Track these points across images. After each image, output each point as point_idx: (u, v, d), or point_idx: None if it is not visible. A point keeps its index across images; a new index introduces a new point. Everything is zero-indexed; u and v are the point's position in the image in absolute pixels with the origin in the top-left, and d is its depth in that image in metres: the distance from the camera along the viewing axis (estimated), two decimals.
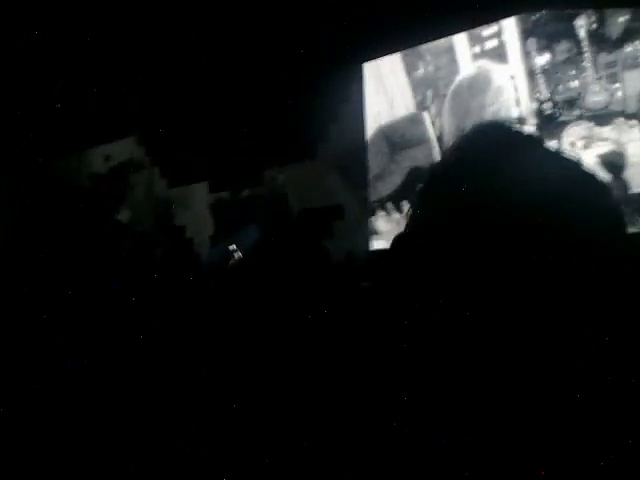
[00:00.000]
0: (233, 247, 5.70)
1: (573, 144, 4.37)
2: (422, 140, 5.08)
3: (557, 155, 0.76)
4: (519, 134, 0.79)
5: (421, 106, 5.06)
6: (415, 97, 5.10)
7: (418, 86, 5.07)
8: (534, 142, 0.78)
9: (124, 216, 6.51)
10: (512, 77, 4.51)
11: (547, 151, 0.77)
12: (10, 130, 5.43)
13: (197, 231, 6.31)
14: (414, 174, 5.22)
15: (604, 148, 4.22)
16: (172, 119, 5.51)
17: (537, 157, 0.73)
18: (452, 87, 4.85)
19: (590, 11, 4.19)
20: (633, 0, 3.97)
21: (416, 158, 5.15)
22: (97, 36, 4.68)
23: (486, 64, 4.66)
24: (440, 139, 4.96)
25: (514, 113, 4.55)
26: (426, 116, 5.03)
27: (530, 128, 4.50)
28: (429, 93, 5.00)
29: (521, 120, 4.50)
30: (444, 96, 4.90)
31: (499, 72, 4.59)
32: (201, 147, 5.80)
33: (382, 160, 5.42)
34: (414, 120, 5.11)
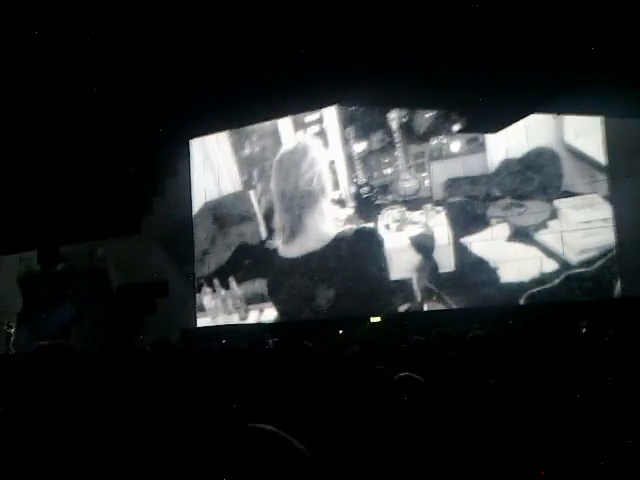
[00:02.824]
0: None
1: (388, 226, 4.65)
2: (248, 217, 5.11)
3: None
4: None
5: (247, 184, 5.12)
6: (241, 175, 5.16)
7: (244, 165, 5.15)
8: None
9: None
10: (332, 162, 4.73)
11: None
12: None
13: (3, 307, 5.70)
14: (240, 250, 5.20)
15: (415, 231, 4.54)
16: None
17: None
18: (275, 161, 4.98)
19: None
20: (437, 103, 4.40)
21: (243, 234, 5.16)
22: None
23: (305, 139, 4.86)
24: (266, 216, 5.02)
25: (334, 194, 4.75)
26: (252, 194, 5.09)
27: (350, 210, 4.73)
28: (255, 172, 5.09)
29: (341, 202, 4.72)
30: (270, 175, 5.01)
31: (316, 145, 4.82)
32: (14, 214, 5.32)
33: (208, 236, 5.35)
34: (240, 198, 5.14)
